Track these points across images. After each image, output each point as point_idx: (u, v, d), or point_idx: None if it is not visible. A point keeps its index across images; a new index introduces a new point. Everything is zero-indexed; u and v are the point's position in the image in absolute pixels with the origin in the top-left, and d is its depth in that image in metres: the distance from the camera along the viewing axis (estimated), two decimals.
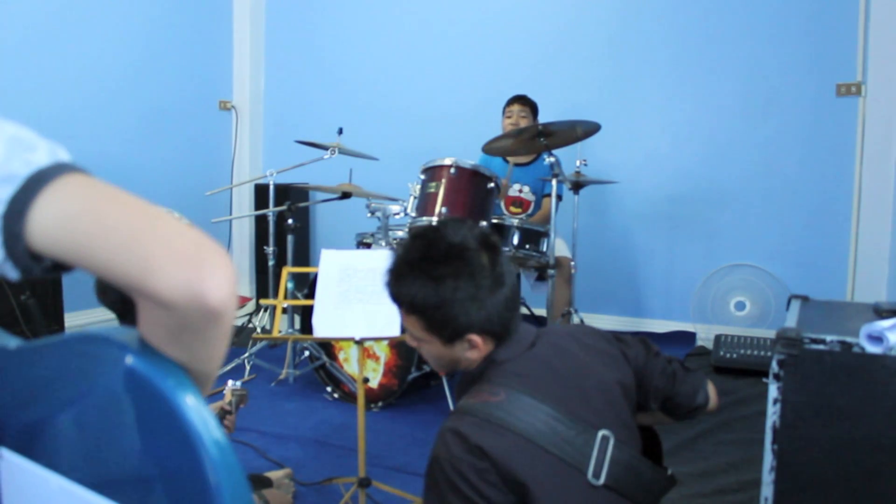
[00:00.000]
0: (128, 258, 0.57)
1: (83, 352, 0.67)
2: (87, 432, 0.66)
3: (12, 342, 0.73)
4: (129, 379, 0.62)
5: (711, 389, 1.39)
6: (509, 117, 3.82)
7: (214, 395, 1.99)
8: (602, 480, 1.13)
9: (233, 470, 0.61)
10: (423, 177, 3.13)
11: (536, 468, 1.09)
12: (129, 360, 0.62)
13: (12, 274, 0.62)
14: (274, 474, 2.20)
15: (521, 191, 3.81)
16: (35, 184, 0.59)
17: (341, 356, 3.10)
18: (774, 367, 1.57)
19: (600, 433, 1.15)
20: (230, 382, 2.00)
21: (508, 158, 3.89)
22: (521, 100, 3.84)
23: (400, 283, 1.24)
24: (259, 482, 2.07)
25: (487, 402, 1.14)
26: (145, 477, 0.64)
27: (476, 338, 1.22)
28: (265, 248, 3.73)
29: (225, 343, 0.65)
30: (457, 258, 1.19)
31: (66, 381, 0.68)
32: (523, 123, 3.76)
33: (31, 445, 0.70)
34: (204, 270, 0.57)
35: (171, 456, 0.62)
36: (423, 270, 1.20)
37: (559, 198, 3.30)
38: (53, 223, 0.59)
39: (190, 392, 0.61)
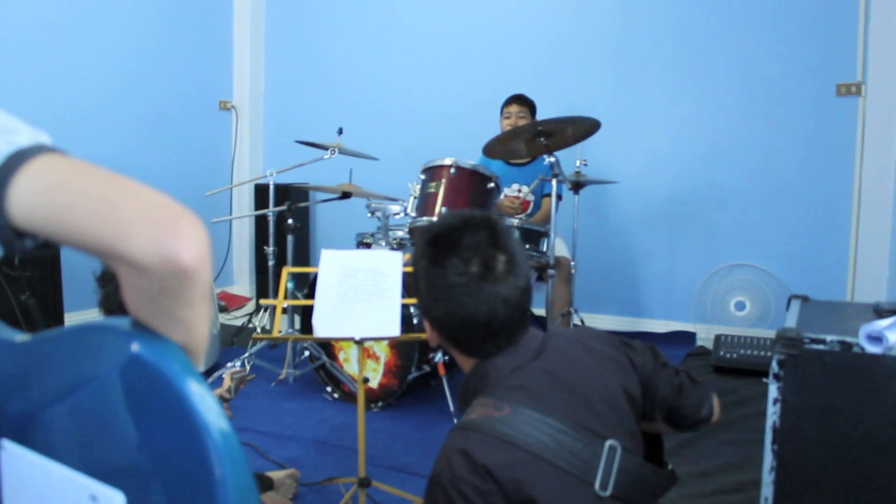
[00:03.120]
0: (102, 225, 0.59)
1: (86, 342, 0.68)
2: (90, 421, 0.67)
3: (16, 336, 0.74)
4: (133, 366, 0.63)
5: (716, 402, 1.37)
6: (507, 118, 3.82)
7: (213, 382, 1.98)
8: (609, 491, 1.12)
9: (237, 457, 0.62)
10: (423, 177, 3.13)
11: (544, 483, 1.08)
12: (135, 347, 0.63)
13: None
14: (276, 474, 2.20)
15: (519, 190, 3.81)
16: (15, 160, 0.62)
17: (341, 356, 3.10)
18: (774, 367, 1.57)
19: (607, 443, 1.14)
20: (229, 365, 1.99)
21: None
22: (519, 100, 3.84)
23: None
24: (260, 483, 2.07)
25: (491, 416, 1.12)
26: (149, 465, 0.64)
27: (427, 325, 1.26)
28: (265, 248, 3.73)
29: (206, 306, 0.67)
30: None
31: (69, 371, 0.68)
32: (522, 123, 3.76)
33: (33, 436, 0.70)
34: (175, 232, 0.60)
35: (175, 443, 0.62)
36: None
37: (559, 197, 3.30)
38: (31, 196, 0.61)
39: (195, 378, 0.63)
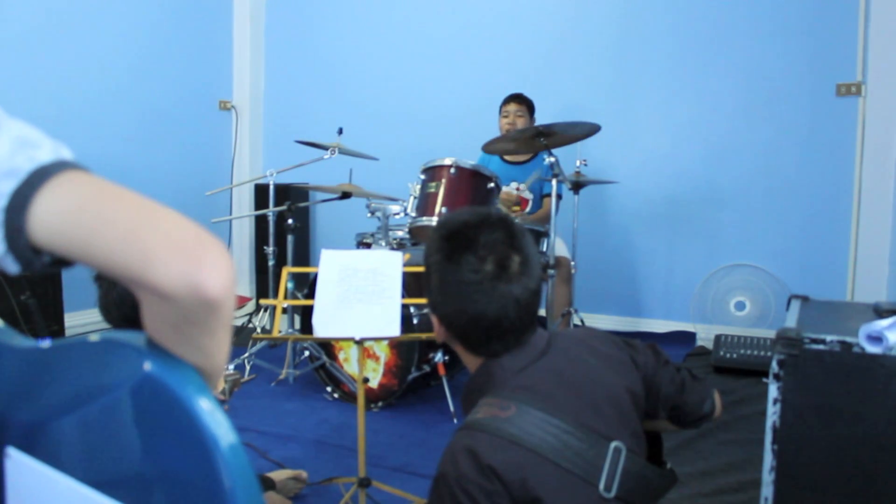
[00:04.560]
0: (127, 251, 0.58)
1: (99, 355, 0.68)
2: (101, 435, 0.67)
3: (25, 342, 0.73)
4: (146, 384, 0.63)
5: (717, 398, 1.38)
6: (506, 117, 3.81)
7: None
8: (613, 493, 1.12)
9: (247, 475, 0.62)
10: (423, 177, 3.13)
11: (549, 483, 1.08)
12: (148, 366, 0.63)
13: (13, 268, 0.63)
14: (279, 475, 2.19)
15: (518, 189, 3.81)
16: (37, 178, 0.61)
17: (341, 356, 3.10)
18: (774, 367, 1.57)
19: (612, 445, 1.14)
20: None
21: (507, 158, 3.89)
22: (517, 99, 3.83)
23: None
24: (261, 483, 2.07)
25: (497, 416, 1.12)
26: (157, 477, 0.64)
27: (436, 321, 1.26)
28: (265, 248, 3.73)
29: (228, 335, 0.66)
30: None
31: (81, 383, 0.68)
32: (520, 123, 3.75)
33: (40, 445, 0.70)
34: (202, 262, 0.59)
35: (185, 459, 0.62)
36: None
37: (559, 197, 3.30)
38: (54, 217, 0.60)
39: (206, 397, 0.62)
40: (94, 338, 0.68)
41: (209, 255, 0.59)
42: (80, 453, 0.68)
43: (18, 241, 0.60)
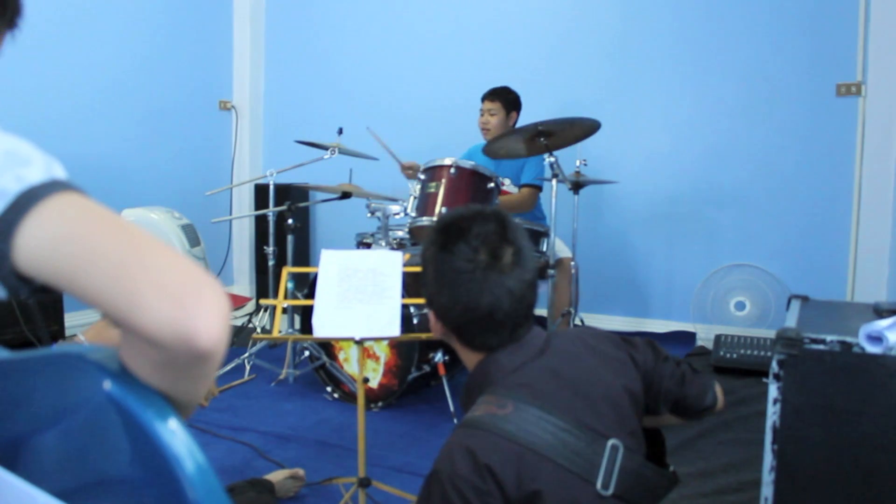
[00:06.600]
0: (114, 289, 0.54)
1: (62, 371, 0.65)
2: (65, 452, 0.65)
3: None
4: (107, 404, 0.60)
5: (719, 390, 1.39)
6: (482, 115, 3.78)
7: None
8: (611, 490, 1.12)
9: (215, 496, 0.59)
10: (423, 177, 3.12)
11: (546, 481, 1.08)
12: (108, 385, 0.59)
13: None
14: (277, 475, 2.19)
15: (503, 184, 3.77)
16: (25, 202, 0.57)
17: (341, 356, 3.10)
18: (774, 367, 1.57)
19: (609, 442, 1.15)
20: None
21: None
22: (490, 96, 3.75)
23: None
24: (260, 486, 2.07)
25: (495, 414, 1.13)
26: (128, 488, 0.62)
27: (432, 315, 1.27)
28: (265, 248, 3.73)
29: (211, 378, 0.63)
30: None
31: (45, 399, 0.66)
32: (493, 120, 3.70)
33: (9, 461, 0.68)
34: (194, 309, 0.54)
35: (152, 482, 0.60)
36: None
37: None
38: (41, 245, 0.57)
39: (171, 418, 0.60)
40: (54, 352, 0.66)
41: (202, 301, 0.54)
42: (46, 470, 0.66)
43: (3, 267, 0.57)
